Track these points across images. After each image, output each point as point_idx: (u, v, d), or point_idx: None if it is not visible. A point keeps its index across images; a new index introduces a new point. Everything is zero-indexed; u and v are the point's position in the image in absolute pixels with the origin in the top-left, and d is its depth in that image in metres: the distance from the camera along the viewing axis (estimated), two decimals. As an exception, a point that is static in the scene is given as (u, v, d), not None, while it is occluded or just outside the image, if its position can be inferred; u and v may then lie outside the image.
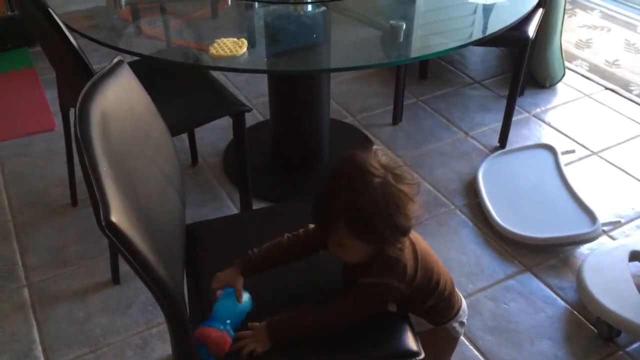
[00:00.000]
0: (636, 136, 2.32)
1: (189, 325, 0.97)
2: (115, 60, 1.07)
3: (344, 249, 1.02)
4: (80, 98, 0.92)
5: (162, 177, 1.14)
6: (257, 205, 1.92)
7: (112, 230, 0.76)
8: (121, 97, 1.04)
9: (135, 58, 1.52)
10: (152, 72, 1.48)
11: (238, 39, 1.47)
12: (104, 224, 0.75)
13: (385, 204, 0.95)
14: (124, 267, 1.70)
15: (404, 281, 1.05)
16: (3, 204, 1.99)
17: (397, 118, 2.40)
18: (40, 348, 1.54)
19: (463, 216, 1.95)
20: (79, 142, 0.86)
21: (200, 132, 2.18)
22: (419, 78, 2.68)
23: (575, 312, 1.64)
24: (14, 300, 1.67)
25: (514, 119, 2.29)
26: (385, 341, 1.07)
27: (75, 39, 1.40)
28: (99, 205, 0.77)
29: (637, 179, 2.11)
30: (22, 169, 2.14)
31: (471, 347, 1.55)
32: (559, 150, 2.15)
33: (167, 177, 1.17)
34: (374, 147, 1.02)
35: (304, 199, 1.42)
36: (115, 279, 1.70)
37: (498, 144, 2.26)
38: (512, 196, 1.99)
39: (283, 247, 1.12)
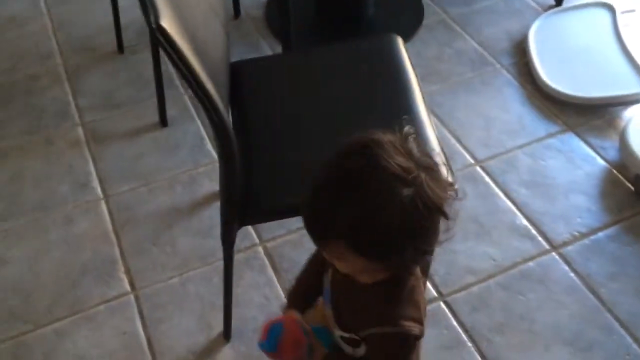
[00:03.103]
0: None
1: (235, 146, 1.01)
2: None
3: (342, 262, 0.76)
4: None
5: (208, 7, 1.14)
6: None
7: (162, 33, 0.78)
8: None
9: None
10: None
11: None
12: (154, 26, 0.77)
13: (412, 223, 0.68)
14: (171, 110, 1.77)
15: (422, 325, 0.79)
16: (53, 49, 2.04)
17: (448, -27, 2.27)
18: (97, 180, 1.65)
19: (509, 75, 1.91)
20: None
21: (242, -17, 2.13)
22: None
23: (614, 171, 1.63)
24: (70, 137, 1.76)
25: (574, -25, 2.15)
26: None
27: None
28: (149, 10, 0.79)
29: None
30: (68, 16, 2.16)
31: (505, 198, 1.58)
32: (618, 9, 2.03)
33: (213, 8, 1.17)
34: (406, 127, 0.71)
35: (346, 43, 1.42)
36: (163, 122, 1.77)
37: (554, 2, 2.14)
38: (563, 56, 1.92)
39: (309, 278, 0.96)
